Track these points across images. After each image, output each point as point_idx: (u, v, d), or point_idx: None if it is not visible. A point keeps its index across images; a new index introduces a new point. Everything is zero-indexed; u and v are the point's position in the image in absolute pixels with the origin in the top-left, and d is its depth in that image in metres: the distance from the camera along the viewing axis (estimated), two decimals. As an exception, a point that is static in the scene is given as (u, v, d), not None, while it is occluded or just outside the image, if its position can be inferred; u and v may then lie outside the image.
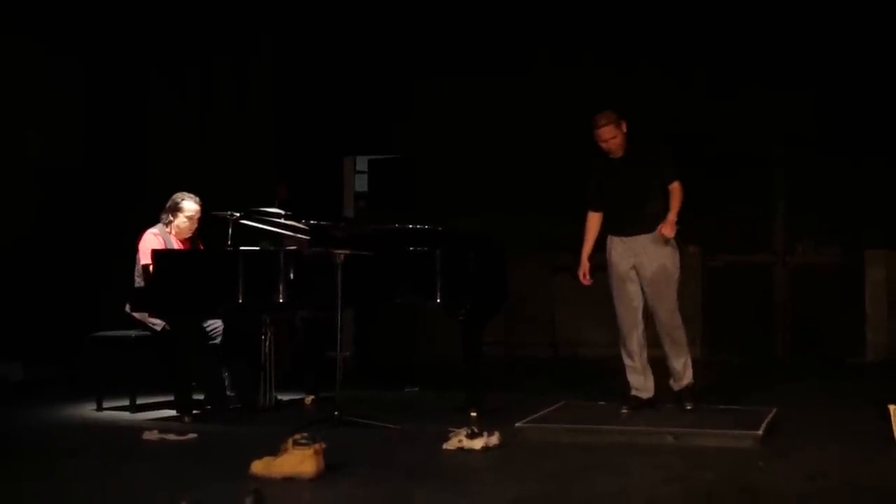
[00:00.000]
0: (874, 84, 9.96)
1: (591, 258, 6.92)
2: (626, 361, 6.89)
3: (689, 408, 6.73)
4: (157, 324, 7.32)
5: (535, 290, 10.57)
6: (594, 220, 6.93)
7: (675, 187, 6.72)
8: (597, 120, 6.71)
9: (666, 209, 6.71)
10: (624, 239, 6.79)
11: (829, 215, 10.26)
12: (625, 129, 6.72)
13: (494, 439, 5.96)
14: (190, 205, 7.39)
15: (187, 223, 7.39)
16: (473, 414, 6.91)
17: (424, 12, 10.85)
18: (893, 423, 5.96)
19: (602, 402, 7.13)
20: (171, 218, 7.37)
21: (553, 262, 10.54)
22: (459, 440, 5.92)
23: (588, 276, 6.91)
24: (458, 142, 10.86)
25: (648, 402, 6.85)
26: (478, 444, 5.89)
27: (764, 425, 6.23)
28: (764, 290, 10.60)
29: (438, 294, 6.92)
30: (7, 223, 9.26)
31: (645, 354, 6.88)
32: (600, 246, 6.93)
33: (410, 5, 10.89)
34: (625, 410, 6.76)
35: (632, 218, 6.77)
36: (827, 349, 10.11)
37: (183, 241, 7.43)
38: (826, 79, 10.05)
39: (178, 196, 7.42)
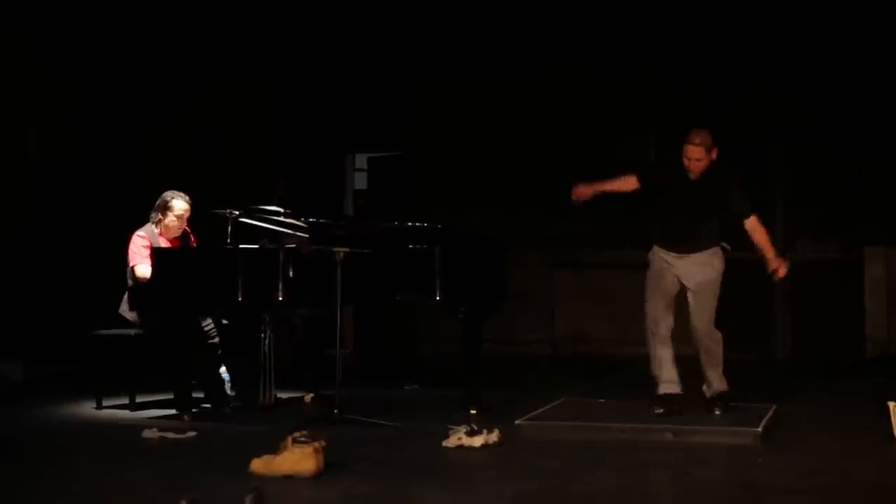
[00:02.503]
0: (874, 82, 9.95)
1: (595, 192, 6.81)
2: (657, 352, 6.72)
3: (717, 412, 6.63)
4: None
5: (535, 287, 10.56)
6: (627, 182, 6.80)
7: (754, 222, 6.66)
8: (692, 136, 6.56)
9: (719, 230, 6.70)
10: (671, 255, 6.72)
11: (828, 212, 10.26)
12: (714, 157, 6.59)
13: (494, 437, 5.96)
14: (180, 204, 7.32)
15: (176, 222, 7.33)
16: (473, 411, 6.89)
17: (424, 9, 10.84)
18: (892, 420, 5.97)
19: (602, 399, 7.13)
20: (161, 217, 7.32)
21: (553, 259, 10.54)
22: (459, 437, 5.92)
23: (581, 200, 6.80)
24: (458, 139, 10.85)
25: (679, 399, 6.70)
26: (477, 441, 5.90)
27: (764, 422, 6.24)
28: (764, 286, 10.57)
29: (438, 292, 6.91)
30: (6, 221, 9.26)
31: (672, 347, 6.76)
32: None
33: (410, 2, 10.88)
34: (659, 411, 6.60)
35: (685, 237, 6.70)
36: (826, 346, 10.10)
37: (172, 241, 7.39)
38: (826, 76, 10.04)
39: (167, 195, 7.34)
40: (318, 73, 11.11)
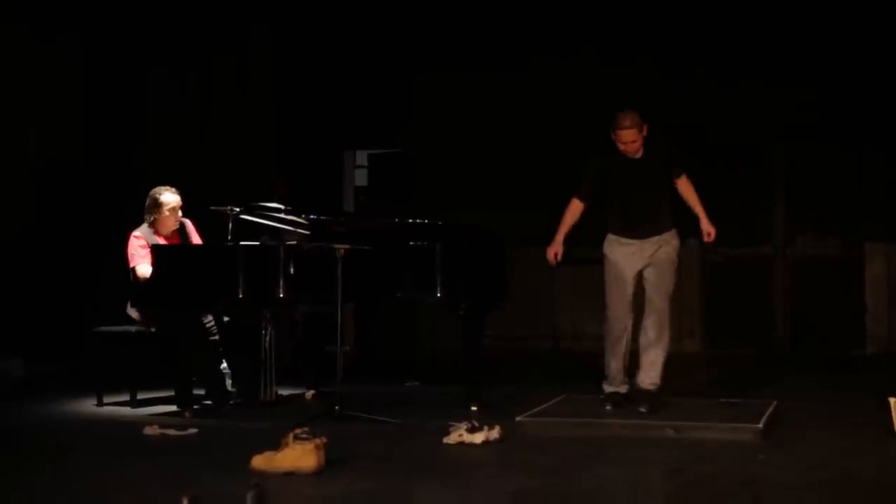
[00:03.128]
0: (874, 77, 9.95)
1: (565, 242, 6.78)
2: (611, 361, 6.76)
3: (642, 410, 6.55)
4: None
5: (536, 283, 10.56)
6: (577, 209, 6.77)
7: (685, 181, 6.68)
8: (620, 120, 6.52)
9: (673, 208, 6.69)
10: (632, 242, 6.67)
11: (828, 208, 10.27)
12: (645, 133, 6.56)
13: (495, 433, 5.96)
14: (170, 198, 7.31)
15: (171, 216, 7.32)
16: (474, 408, 6.91)
17: (425, 6, 10.84)
18: (893, 416, 5.97)
19: (602, 396, 7.12)
20: (155, 215, 7.30)
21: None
22: (460, 434, 5.93)
23: (559, 258, 6.78)
24: (458, 136, 10.86)
25: (627, 398, 6.76)
26: (478, 437, 5.90)
27: (764, 418, 6.24)
28: (764, 283, 10.60)
29: (439, 288, 6.91)
30: (8, 220, 9.27)
31: (627, 355, 6.79)
32: (599, 240, 6.87)
33: (410, 0, 10.88)
34: (608, 407, 6.69)
35: (645, 221, 6.66)
36: (827, 342, 10.11)
37: (168, 237, 7.38)
38: (826, 72, 10.04)
39: (155, 192, 7.32)
40: (318, 70, 11.11)
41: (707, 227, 6.70)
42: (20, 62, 9.46)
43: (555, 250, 6.80)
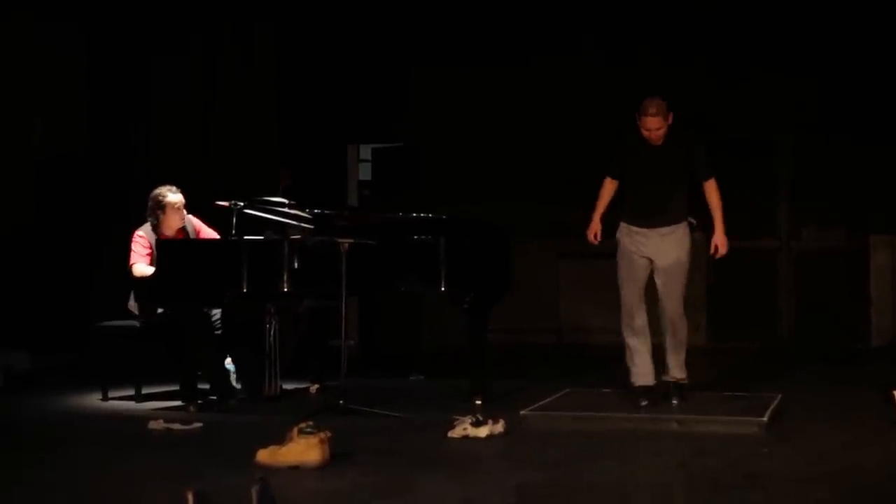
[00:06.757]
0: (878, 70, 9.93)
1: (602, 220, 6.77)
2: (631, 342, 6.72)
3: (675, 402, 6.60)
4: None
5: (540, 276, 10.55)
6: (611, 187, 6.78)
7: (712, 185, 6.62)
8: (646, 107, 6.47)
9: (688, 203, 6.66)
10: (640, 230, 6.65)
11: (833, 200, 10.24)
12: (671, 121, 6.52)
13: (499, 427, 5.97)
14: (173, 198, 7.28)
15: (175, 215, 7.30)
16: (478, 402, 6.91)
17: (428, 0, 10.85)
18: (897, 408, 5.98)
19: (606, 390, 7.13)
20: (159, 217, 7.27)
21: (557, 249, 10.54)
22: (464, 428, 5.93)
23: (599, 236, 6.75)
24: (461, 130, 10.84)
25: (654, 388, 6.75)
26: (482, 431, 5.91)
27: (769, 411, 6.24)
28: (768, 276, 10.59)
29: (443, 282, 6.91)
30: (11, 212, 9.27)
31: (649, 339, 6.77)
32: (609, 231, 6.84)
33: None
34: (644, 402, 6.59)
35: (655, 210, 6.62)
36: (832, 334, 10.10)
37: (173, 237, 7.37)
38: (830, 65, 10.02)
39: (157, 194, 7.29)
40: (321, 65, 11.11)
41: (718, 241, 6.63)
42: (22, 52, 9.45)
43: (594, 231, 6.78)
